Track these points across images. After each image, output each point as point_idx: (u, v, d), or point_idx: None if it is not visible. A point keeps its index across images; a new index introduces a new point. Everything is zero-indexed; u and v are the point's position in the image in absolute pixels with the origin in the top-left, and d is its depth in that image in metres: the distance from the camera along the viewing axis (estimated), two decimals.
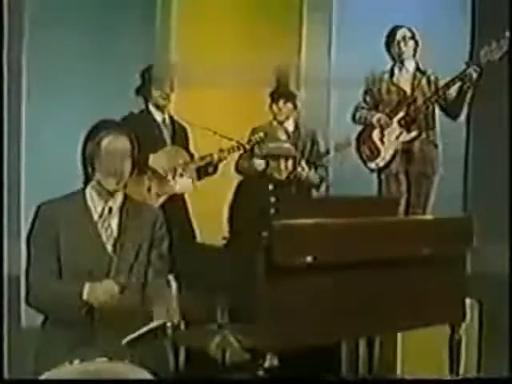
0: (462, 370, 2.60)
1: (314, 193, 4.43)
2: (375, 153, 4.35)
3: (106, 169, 2.51)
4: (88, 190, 2.57)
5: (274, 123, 4.43)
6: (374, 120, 4.33)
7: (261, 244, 2.07)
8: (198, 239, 4.10)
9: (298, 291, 2.12)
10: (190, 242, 3.96)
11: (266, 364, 2.16)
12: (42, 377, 2.12)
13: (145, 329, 2.31)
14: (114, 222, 2.56)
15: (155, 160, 3.89)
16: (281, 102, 4.42)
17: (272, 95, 4.48)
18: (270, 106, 4.46)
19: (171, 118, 4.10)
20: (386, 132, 4.30)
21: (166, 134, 4.04)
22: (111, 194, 2.55)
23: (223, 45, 4.95)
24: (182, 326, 2.44)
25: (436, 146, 4.34)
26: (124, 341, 2.23)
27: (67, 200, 2.58)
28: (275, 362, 2.18)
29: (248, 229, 3.51)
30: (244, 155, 4.37)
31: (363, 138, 4.42)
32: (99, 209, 2.55)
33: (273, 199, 3.87)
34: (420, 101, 4.24)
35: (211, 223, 4.10)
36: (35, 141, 4.30)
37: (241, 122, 4.51)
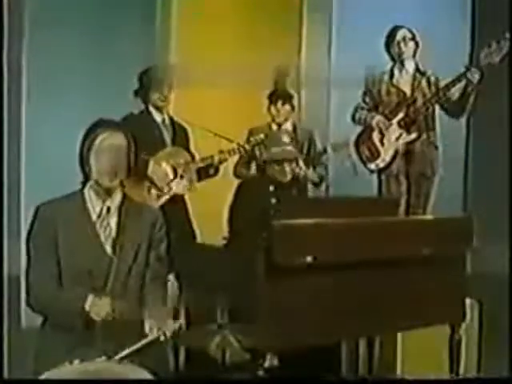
0: (462, 370, 2.60)
1: (314, 191, 4.43)
2: (375, 154, 4.35)
3: (100, 165, 2.50)
4: (86, 190, 2.57)
5: (273, 125, 4.43)
6: (374, 123, 4.32)
7: (261, 244, 2.07)
8: (198, 239, 4.10)
9: (298, 291, 2.12)
10: (190, 243, 3.96)
11: (266, 364, 2.17)
12: (42, 377, 2.12)
13: (138, 345, 2.31)
14: (113, 222, 2.56)
15: (154, 171, 3.88)
16: (279, 104, 4.42)
17: (270, 97, 4.49)
18: (269, 109, 4.46)
19: (171, 118, 4.10)
20: (385, 133, 4.30)
21: (166, 135, 4.04)
22: (108, 193, 2.55)
23: (223, 45, 4.96)
24: (182, 326, 2.44)
25: (436, 147, 4.33)
26: (117, 357, 2.23)
27: (66, 200, 2.58)
28: (275, 361, 2.18)
29: (248, 229, 3.51)
30: (242, 160, 4.38)
31: (363, 139, 4.42)
32: (97, 209, 2.55)
33: (273, 200, 3.87)
34: (420, 102, 4.23)
35: (211, 223, 4.09)
36: (35, 141, 4.30)
37: (240, 123, 4.52)
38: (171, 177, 3.95)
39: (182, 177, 3.98)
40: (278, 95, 4.48)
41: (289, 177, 3.87)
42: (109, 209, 2.55)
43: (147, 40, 4.67)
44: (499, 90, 4.55)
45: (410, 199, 4.34)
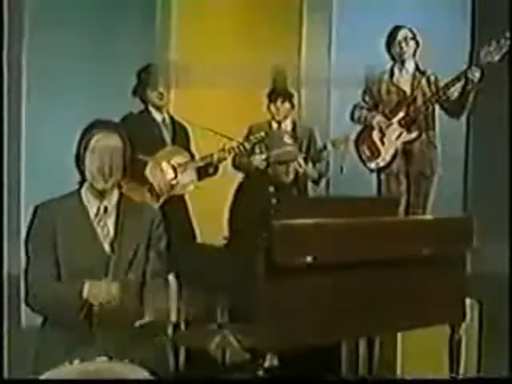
0: (462, 370, 2.60)
1: (314, 189, 4.43)
2: (375, 153, 4.35)
3: (94, 167, 2.50)
4: (83, 190, 2.57)
5: (273, 123, 4.43)
6: (374, 122, 4.33)
7: (261, 244, 2.07)
8: (198, 239, 4.09)
9: (298, 291, 2.12)
10: (190, 242, 3.96)
11: (266, 364, 2.17)
12: (42, 377, 2.12)
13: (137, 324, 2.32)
14: (111, 222, 2.56)
15: (151, 174, 3.88)
16: (278, 102, 4.42)
17: (269, 96, 4.49)
18: (268, 107, 4.46)
19: (171, 117, 4.10)
20: (386, 132, 4.30)
21: (166, 134, 4.03)
22: (103, 194, 2.55)
23: (223, 44, 4.96)
24: (182, 326, 2.44)
25: (435, 146, 4.34)
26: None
27: (64, 200, 2.58)
28: (275, 361, 2.18)
29: (248, 229, 3.51)
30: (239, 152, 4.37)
31: (363, 138, 4.42)
32: (94, 208, 2.55)
33: (274, 201, 3.87)
34: (420, 101, 4.24)
35: (211, 223, 4.09)
36: (35, 141, 4.30)
37: (240, 122, 4.51)
38: (171, 176, 3.94)
39: (182, 176, 3.98)
40: (278, 93, 4.48)
41: (291, 177, 3.87)
42: (106, 208, 2.55)
43: (147, 40, 4.67)
44: (499, 89, 4.56)
45: (410, 199, 4.34)
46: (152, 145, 3.89)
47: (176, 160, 3.98)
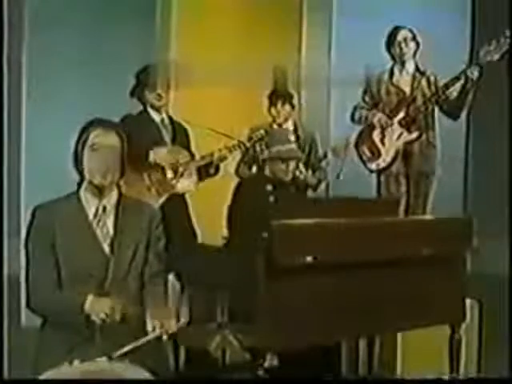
0: (462, 370, 2.60)
1: (311, 193, 4.42)
2: (376, 154, 4.35)
3: (92, 164, 2.50)
4: (82, 191, 2.57)
5: (274, 126, 4.42)
6: (375, 120, 4.32)
7: (261, 244, 2.07)
8: (199, 239, 4.09)
9: (298, 291, 2.12)
10: (190, 242, 3.95)
11: (266, 364, 2.17)
12: (42, 377, 2.11)
13: (141, 342, 2.30)
14: (110, 221, 2.55)
15: (156, 154, 3.88)
16: (279, 106, 4.42)
17: (270, 98, 4.48)
18: (269, 110, 4.46)
19: (170, 118, 4.10)
20: (386, 132, 4.30)
21: (166, 134, 4.03)
22: (102, 192, 2.54)
23: (223, 45, 4.96)
24: (184, 325, 2.44)
25: (435, 146, 4.33)
26: (118, 353, 2.22)
27: (62, 202, 2.57)
28: (275, 361, 2.18)
29: (248, 229, 3.51)
30: (244, 160, 4.37)
31: (363, 139, 4.41)
32: (93, 208, 2.55)
33: (271, 199, 3.87)
34: (420, 101, 4.24)
35: (212, 223, 4.09)
36: (35, 141, 4.30)
37: (240, 122, 4.51)
38: (171, 176, 3.94)
39: (182, 175, 3.98)
40: (278, 96, 4.47)
41: (290, 176, 3.87)
42: (105, 208, 2.55)
43: (147, 40, 4.67)
44: (499, 89, 4.56)
45: (410, 199, 4.34)
46: (152, 145, 3.89)
47: (176, 160, 3.97)
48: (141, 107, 4.04)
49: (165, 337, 2.37)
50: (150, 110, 4.01)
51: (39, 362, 2.42)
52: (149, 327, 2.38)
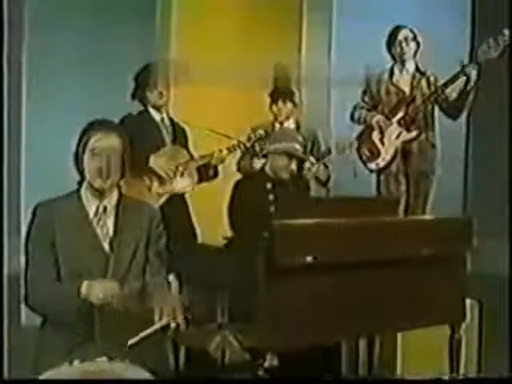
0: (462, 370, 2.60)
1: (317, 191, 4.41)
2: (375, 153, 4.35)
3: (93, 167, 2.50)
4: (83, 190, 2.57)
5: (276, 124, 4.42)
6: (373, 122, 4.33)
7: (261, 244, 2.07)
8: (199, 239, 4.09)
9: (298, 291, 2.12)
10: (190, 242, 3.96)
11: (266, 364, 2.17)
12: (42, 377, 2.11)
13: (149, 330, 2.29)
14: (110, 221, 2.55)
15: (156, 161, 3.88)
16: (280, 102, 4.40)
17: (271, 95, 4.48)
18: (270, 107, 4.45)
19: (170, 118, 4.09)
20: (385, 132, 4.30)
21: (166, 134, 4.03)
22: (103, 194, 2.55)
23: (223, 44, 4.96)
24: (182, 326, 2.43)
25: (435, 146, 4.34)
26: (129, 342, 2.21)
27: (63, 200, 2.58)
28: (275, 361, 2.18)
29: (248, 229, 3.51)
30: (245, 155, 4.36)
31: (363, 139, 4.41)
32: (94, 208, 2.55)
33: (271, 197, 3.87)
34: (419, 100, 4.24)
35: (212, 223, 4.09)
36: (35, 141, 4.31)
37: (240, 122, 4.51)
38: (171, 176, 3.94)
39: (182, 175, 3.98)
40: (279, 93, 4.46)
41: (289, 175, 3.86)
42: (105, 208, 2.55)
43: (147, 40, 4.67)
44: (499, 89, 4.56)
45: (409, 199, 4.34)
46: (152, 145, 3.89)
47: (176, 160, 3.97)
48: (141, 107, 4.04)
49: (173, 324, 2.34)
50: (150, 109, 4.01)
51: (39, 361, 2.42)
52: (156, 317, 2.37)
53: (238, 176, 4.28)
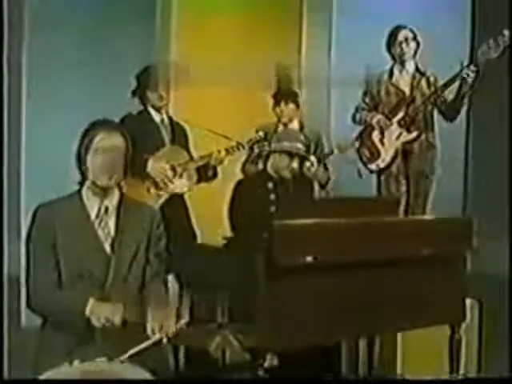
0: (462, 370, 2.60)
1: (319, 193, 4.41)
2: (375, 154, 4.35)
3: (97, 166, 2.50)
4: (84, 190, 2.57)
5: (280, 125, 4.41)
6: (374, 122, 4.33)
7: (261, 244, 2.08)
8: (199, 240, 4.09)
9: (298, 291, 2.12)
10: (190, 243, 3.95)
11: (266, 364, 2.17)
12: (42, 377, 2.11)
13: (140, 347, 2.29)
14: (111, 221, 2.56)
15: (154, 167, 3.87)
16: (282, 104, 4.40)
17: (274, 97, 4.48)
18: (274, 108, 4.45)
19: (170, 118, 4.09)
20: (385, 133, 4.31)
21: (165, 134, 4.03)
22: (105, 193, 2.54)
23: (223, 45, 4.95)
24: (184, 327, 2.43)
25: (434, 146, 4.34)
26: (123, 357, 2.21)
27: (64, 201, 2.58)
28: (275, 361, 2.18)
29: (248, 229, 3.51)
30: (250, 158, 4.36)
31: (363, 140, 4.42)
32: (95, 208, 2.55)
33: (272, 197, 3.87)
34: (419, 101, 4.24)
35: (211, 223, 4.09)
36: (35, 141, 4.30)
37: (240, 122, 4.51)
38: (170, 176, 3.94)
39: (181, 176, 3.98)
40: (282, 95, 4.46)
41: (290, 174, 3.86)
42: (107, 208, 2.55)
43: (147, 40, 4.67)
44: (499, 89, 4.56)
45: (410, 199, 4.34)
46: (151, 145, 3.89)
47: (175, 160, 3.97)
48: (140, 107, 4.04)
49: (165, 340, 2.36)
50: (150, 109, 4.01)
51: (39, 362, 2.42)
52: (149, 330, 2.37)
53: (238, 177, 4.29)
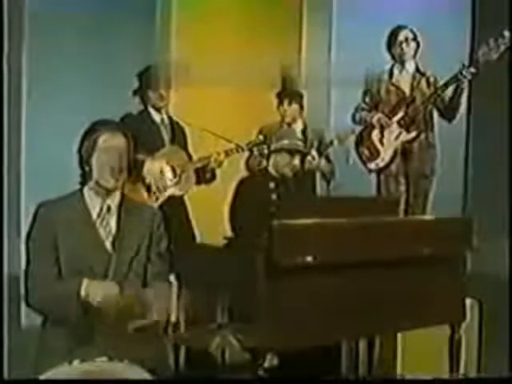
0: (462, 370, 2.60)
1: (323, 186, 4.42)
2: (375, 154, 4.36)
3: (103, 167, 2.51)
4: (86, 190, 2.57)
5: (284, 125, 4.41)
6: (374, 120, 4.33)
7: (261, 244, 2.07)
8: (198, 240, 4.09)
9: (298, 291, 2.12)
10: (189, 243, 3.96)
11: (266, 364, 2.17)
12: (42, 377, 2.11)
13: (142, 323, 2.30)
14: (113, 221, 2.56)
15: (153, 167, 3.86)
16: (285, 104, 4.42)
17: (278, 96, 4.48)
18: (278, 108, 4.46)
19: (170, 118, 4.09)
20: (385, 132, 4.31)
21: (165, 134, 4.03)
22: (109, 193, 2.55)
23: (223, 45, 4.96)
24: (182, 326, 2.43)
25: (434, 146, 4.34)
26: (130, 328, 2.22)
27: (66, 200, 2.58)
28: (275, 361, 2.18)
29: (248, 228, 3.51)
30: (253, 155, 4.37)
31: (362, 139, 4.42)
32: (97, 208, 2.55)
33: (274, 197, 3.87)
34: (419, 101, 4.24)
35: (211, 224, 4.09)
36: (35, 141, 4.30)
37: (241, 123, 4.52)
38: (170, 176, 3.94)
39: (180, 176, 3.98)
40: (285, 94, 4.48)
41: (292, 172, 3.87)
42: (109, 208, 2.55)
43: (147, 40, 4.67)
44: (499, 89, 4.56)
45: (409, 199, 4.35)
46: (151, 145, 3.89)
47: (175, 160, 3.97)
48: (140, 107, 4.04)
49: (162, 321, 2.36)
50: (150, 109, 4.01)
51: (39, 362, 2.42)
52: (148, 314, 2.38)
53: (238, 177, 4.29)
